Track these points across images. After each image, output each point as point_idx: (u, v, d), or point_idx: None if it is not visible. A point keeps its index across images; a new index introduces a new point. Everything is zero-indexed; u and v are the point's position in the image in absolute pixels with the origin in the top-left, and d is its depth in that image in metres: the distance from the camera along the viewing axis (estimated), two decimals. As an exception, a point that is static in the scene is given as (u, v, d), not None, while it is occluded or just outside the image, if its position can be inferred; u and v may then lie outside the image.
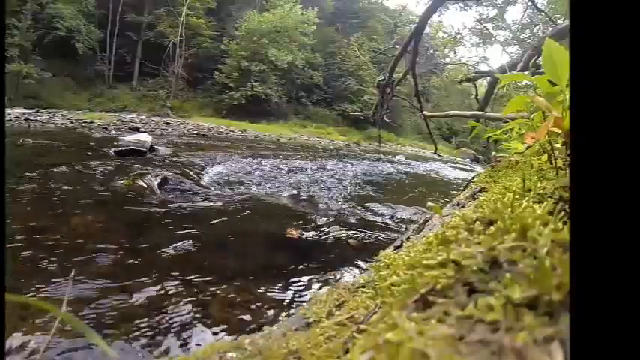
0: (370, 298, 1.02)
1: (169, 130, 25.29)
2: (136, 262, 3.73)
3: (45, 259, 3.52)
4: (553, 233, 0.61)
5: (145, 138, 11.69)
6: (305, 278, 3.79)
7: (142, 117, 33.02)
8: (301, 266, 4.06)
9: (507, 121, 2.24)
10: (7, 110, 23.48)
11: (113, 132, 19.02)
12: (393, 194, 10.06)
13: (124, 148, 10.70)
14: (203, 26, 48.68)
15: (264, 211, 6.22)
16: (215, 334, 2.72)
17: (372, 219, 6.41)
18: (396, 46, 10.97)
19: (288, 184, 9.17)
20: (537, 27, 25.70)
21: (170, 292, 3.17)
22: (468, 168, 25.19)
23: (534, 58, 8.08)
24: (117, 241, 4.16)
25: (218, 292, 3.28)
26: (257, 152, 16.34)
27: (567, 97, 1.00)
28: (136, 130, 20.55)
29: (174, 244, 4.24)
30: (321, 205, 7.11)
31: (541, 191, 1.11)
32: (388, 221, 6.37)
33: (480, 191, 2.01)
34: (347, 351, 0.76)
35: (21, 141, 11.12)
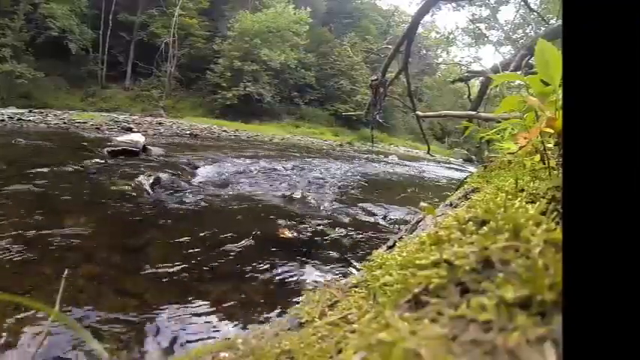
0: (363, 298, 1.02)
1: (162, 130, 25.22)
2: (129, 261, 3.73)
3: (37, 259, 3.51)
4: (546, 233, 0.61)
5: (137, 138, 11.65)
6: (297, 278, 3.80)
7: (134, 117, 32.82)
8: (294, 266, 4.06)
9: (500, 121, 2.25)
10: (0, 110, 23.44)
11: (106, 132, 18.99)
12: (386, 194, 10.07)
13: (116, 148, 10.67)
14: (196, 26, 48.61)
15: (256, 211, 6.22)
16: (208, 333, 2.72)
17: (364, 219, 6.42)
18: (389, 46, 10.96)
19: (281, 184, 9.18)
20: (530, 27, 25.79)
21: (163, 292, 3.17)
22: (461, 168, 25.26)
23: (527, 58, 8.10)
24: (109, 240, 4.16)
25: (211, 291, 3.28)
26: (250, 152, 16.33)
27: (560, 97, 1.00)
28: (129, 130, 20.48)
29: (167, 244, 4.24)
30: (313, 205, 7.11)
31: (534, 191, 1.11)
32: (381, 221, 6.38)
33: (472, 191, 2.01)
34: (340, 351, 0.76)
35: (14, 141, 11.08)
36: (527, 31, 26.75)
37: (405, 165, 21.37)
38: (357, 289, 1.13)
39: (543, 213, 0.76)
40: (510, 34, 28.92)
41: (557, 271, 0.52)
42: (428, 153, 13.80)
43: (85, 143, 12.72)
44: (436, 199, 8.23)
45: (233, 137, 28.12)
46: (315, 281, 3.76)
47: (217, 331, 2.77)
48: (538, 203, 0.90)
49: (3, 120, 19.30)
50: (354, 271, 3.97)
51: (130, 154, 10.66)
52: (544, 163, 1.35)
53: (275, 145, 25.01)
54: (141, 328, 2.68)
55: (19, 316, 2.57)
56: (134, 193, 6.31)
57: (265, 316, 3.02)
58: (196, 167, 10.19)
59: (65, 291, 2.97)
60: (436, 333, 0.51)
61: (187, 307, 3.01)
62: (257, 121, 44.72)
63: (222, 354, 1.04)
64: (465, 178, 2.90)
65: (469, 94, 13.43)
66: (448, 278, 0.62)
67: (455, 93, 50.87)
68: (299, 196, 7.74)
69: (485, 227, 0.71)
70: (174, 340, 2.61)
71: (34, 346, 2.35)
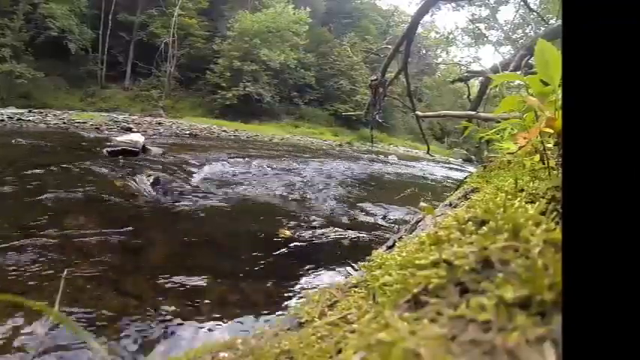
0: (362, 298, 1.02)
1: (162, 130, 25.19)
2: (128, 261, 3.73)
3: (37, 259, 3.51)
4: (545, 233, 0.61)
5: (137, 138, 11.64)
6: (297, 278, 3.80)
7: (134, 117, 32.73)
8: (293, 266, 4.06)
9: (500, 121, 2.25)
10: (0, 110, 23.43)
11: (105, 132, 18.97)
12: (386, 194, 10.07)
13: (116, 148, 10.66)
14: (195, 26, 48.55)
15: (256, 211, 6.22)
16: (207, 333, 2.72)
17: (364, 219, 6.42)
18: (389, 46, 10.93)
19: (280, 184, 9.16)
20: (530, 27, 25.74)
21: (162, 292, 3.17)
22: (460, 168, 25.27)
23: (527, 58, 8.09)
24: (109, 240, 4.15)
25: (210, 291, 3.28)
26: (249, 152, 16.33)
27: (559, 97, 1.00)
28: (129, 130, 20.46)
29: (166, 244, 4.24)
30: (313, 205, 7.11)
31: (533, 191, 1.11)
32: (380, 221, 6.38)
33: (472, 191, 2.01)
34: (339, 351, 0.76)
35: (13, 141, 11.09)
36: (527, 31, 26.69)
37: (405, 165, 21.39)
38: (356, 289, 1.13)
39: (543, 213, 0.76)
40: (510, 34, 28.86)
41: (556, 271, 0.52)
42: (427, 153, 13.81)
43: (85, 143, 12.73)
44: (436, 199, 8.24)
45: (232, 137, 28.09)
46: (315, 281, 3.77)
47: (217, 330, 2.77)
48: (538, 203, 0.90)
49: (3, 120, 19.29)
50: (353, 271, 3.97)
51: (129, 154, 10.65)
52: (544, 163, 1.35)
53: (275, 145, 25.00)
54: (140, 328, 2.68)
55: (18, 317, 2.57)
56: (134, 193, 6.31)
57: (265, 316, 3.02)
58: (196, 167, 10.18)
59: (65, 291, 2.96)
60: (435, 333, 0.51)
61: (187, 307, 3.01)
62: (256, 121, 44.67)
63: (221, 354, 1.04)
64: (465, 178, 2.91)
65: (469, 94, 13.42)
66: (447, 278, 0.62)
67: (454, 93, 50.91)
68: (299, 196, 7.75)
69: (484, 227, 0.71)
70: (173, 340, 2.61)
71: (33, 347, 2.35)
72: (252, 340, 1.07)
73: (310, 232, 5.22)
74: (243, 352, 0.99)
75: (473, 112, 6.72)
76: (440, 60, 48.00)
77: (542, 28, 14.46)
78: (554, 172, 1.21)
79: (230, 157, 13.22)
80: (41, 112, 25.17)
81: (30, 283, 3.12)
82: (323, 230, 5.32)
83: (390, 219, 6.53)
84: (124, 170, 8.17)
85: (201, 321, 2.85)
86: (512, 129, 1.85)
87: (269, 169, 11.54)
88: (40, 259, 3.51)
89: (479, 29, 29.14)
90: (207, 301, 3.12)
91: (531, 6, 15.28)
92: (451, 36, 31.99)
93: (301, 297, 3.31)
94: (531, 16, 20.22)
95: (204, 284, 3.40)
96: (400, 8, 60.97)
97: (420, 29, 17.93)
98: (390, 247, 1.88)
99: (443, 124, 55.89)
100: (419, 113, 8.21)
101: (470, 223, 0.80)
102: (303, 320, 1.09)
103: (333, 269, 4.11)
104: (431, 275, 0.65)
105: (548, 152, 1.31)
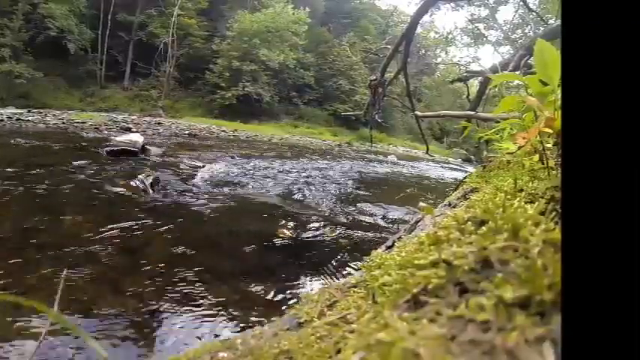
0: (362, 298, 1.02)
1: (161, 130, 25.17)
2: (128, 261, 3.73)
3: (37, 259, 3.51)
4: (545, 233, 0.61)
5: (136, 138, 11.63)
6: (297, 278, 3.80)
7: (133, 117, 32.70)
8: (293, 266, 4.06)
9: (499, 121, 2.24)
10: (-1, 110, 23.44)
11: (105, 132, 18.94)
12: (385, 194, 10.08)
13: (115, 148, 10.66)
14: (195, 26, 48.43)
15: (255, 211, 6.22)
16: (207, 333, 2.72)
17: (363, 219, 6.42)
18: (388, 46, 10.92)
19: (279, 184, 9.16)
20: (529, 27, 25.75)
21: (162, 292, 3.17)
22: (460, 168, 25.27)
23: (526, 58, 8.09)
24: (108, 241, 4.15)
25: (210, 291, 3.28)
26: (248, 152, 16.33)
27: (559, 96, 1.00)
28: (128, 130, 20.44)
29: (166, 244, 4.23)
30: (313, 205, 7.11)
31: (533, 191, 1.11)
32: (380, 221, 6.38)
33: (471, 191, 2.01)
34: (339, 351, 0.76)
35: (13, 141, 11.08)
36: (526, 31, 26.70)
37: (404, 165, 21.40)
38: (356, 289, 1.13)
39: (542, 213, 0.76)
40: (509, 34, 28.87)
41: (556, 271, 0.52)
42: (427, 153, 13.81)
43: (84, 143, 12.71)
44: (435, 200, 8.23)
45: (232, 137, 28.06)
46: (314, 281, 3.77)
47: (216, 330, 2.77)
48: (537, 203, 0.90)
49: (2, 120, 19.28)
50: (352, 271, 3.97)
51: (129, 154, 10.65)
52: (543, 163, 1.35)
53: (274, 145, 24.99)
54: (140, 328, 2.68)
55: (18, 317, 2.57)
56: (133, 193, 6.31)
57: (264, 316, 3.02)
58: (195, 167, 10.19)
59: (64, 291, 2.96)
60: (435, 333, 0.51)
61: (186, 306, 3.01)
62: (256, 121, 44.62)
63: (220, 354, 1.04)
64: (464, 178, 2.90)
65: (468, 94, 13.39)
66: (447, 278, 0.62)
67: (454, 93, 50.84)
68: (298, 196, 7.75)
69: (484, 227, 0.71)
70: (173, 340, 2.61)
71: (32, 347, 2.35)
72: (251, 340, 1.07)
73: (310, 232, 5.23)
74: (243, 352, 0.99)
75: (472, 112, 6.71)
76: (439, 60, 48.05)
77: (542, 28, 14.48)
78: (554, 172, 1.21)
79: (229, 157, 13.23)
80: (40, 112, 25.17)
81: (30, 283, 3.12)
82: (323, 230, 5.33)
83: (389, 219, 6.54)
84: (123, 170, 8.18)
85: (201, 321, 2.86)
86: (511, 129, 1.85)
87: (268, 169, 11.54)
88: (40, 259, 3.52)
89: (478, 29, 29.16)
90: (207, 301, 3.12)
91: (530, 6, 15.28)
92: (450, 36, 32.03)
93: (301, 297, 3.31)
94: (530, 16, 20.23)
95: (204, 284, 3.40)
96: (399, 8, 61.15)
97: (419, 29, 17.95)
98: (390, 247, 1.88)
99: (442, 124, 55.91)
100: (418, 113, 8.21)
101: (469, 223, 0.79)
102: (302, 320, 1.09)
103: (333, 269, 4.11)
104: (430, 275, 0.65)
105: (548, 152, 1.31)
